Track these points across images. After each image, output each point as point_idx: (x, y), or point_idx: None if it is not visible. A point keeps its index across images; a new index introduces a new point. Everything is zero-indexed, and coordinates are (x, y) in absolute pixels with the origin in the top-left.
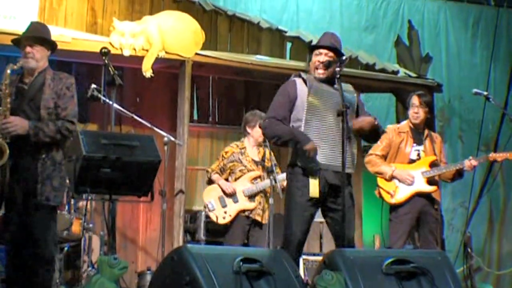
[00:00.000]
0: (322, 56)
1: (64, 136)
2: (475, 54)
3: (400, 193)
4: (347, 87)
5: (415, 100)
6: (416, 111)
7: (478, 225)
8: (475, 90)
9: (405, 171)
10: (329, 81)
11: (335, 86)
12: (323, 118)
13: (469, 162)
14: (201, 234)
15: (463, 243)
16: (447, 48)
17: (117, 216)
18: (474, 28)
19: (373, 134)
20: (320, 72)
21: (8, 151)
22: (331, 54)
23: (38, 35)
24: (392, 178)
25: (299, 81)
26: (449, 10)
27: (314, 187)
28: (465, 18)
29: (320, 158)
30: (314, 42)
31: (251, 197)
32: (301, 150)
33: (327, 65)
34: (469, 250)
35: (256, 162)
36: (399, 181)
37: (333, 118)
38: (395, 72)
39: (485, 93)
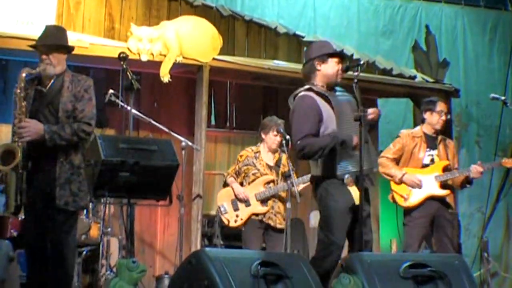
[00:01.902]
0: (341, 65)
1: (80, 138)
2: (492, 59)
3: (413, 196)
4: (345, 91)
5: (443, 107)
6: (444, 118)
7: (495, 230)
8: (492, 95)
9: (414, 176)
10: (331, 88)
11: (339, 93)
12: (349, 127)
13: (475, 168)
14: (219, 239)
15: (480, 248)
16: (465, 53)
17: (135, 221)
18: (491, 33)
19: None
20: (340, 79)
21: (20, 154)
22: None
23: (53, 41)
24: (401, 182)
25: (313, 95)
26: (467, 15)
27: (356, 195)
28: (483, 23)
29: (354, 166)
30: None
31: (263, 201)
32: (349, 147)
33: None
34: (486, 255)
35: (270, 167)
36: (408, 185)
37: (352, 128)
38: (413, 77)
39: (503, 98)
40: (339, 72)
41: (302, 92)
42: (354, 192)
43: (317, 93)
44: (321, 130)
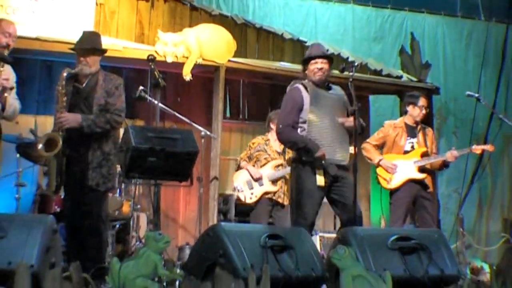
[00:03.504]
0: (318, 64)
1: (113, 127)
2: (468, 62)
3: (394, 180)
4: (337, 88)
5: (424, 102)
6: (424, 112)
7: (469, 208)
8: (468, 92)
9: (389, 162)
10: (324, 84)
11: (331, 90)
12: (322, 120)
13: (450, 153)
14: (232, 215)
15: (456, 224)
16: (444, 56)
17: (160, 199)
18: (467, 39)
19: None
20: (319, 76)
21: (60, 142)
22: (325, 61)
23: (89, 45)
24: (378, 166)
25: (301, 87)
26: (446, 24)
27: (320, 178)
28: (460, 31)
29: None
30: (330, 51)
31: (274, 181)
32: (312, 156)
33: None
34: (461, 229)
35: (278, 153)
36: (384, 169)
37: (329, 119)
38: (399, 77)
39: (477, 95)
40: (315, 71)
41: (294, 84)
42: (320, 176)
43: (304, 86)
44: (300, 115)
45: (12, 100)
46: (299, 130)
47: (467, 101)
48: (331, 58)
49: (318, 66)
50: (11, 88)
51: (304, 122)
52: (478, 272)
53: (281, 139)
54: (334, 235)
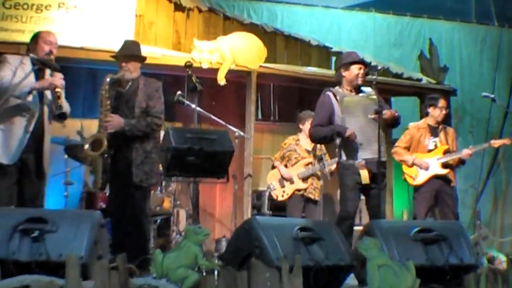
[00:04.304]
0: (362, 69)
1: (153, 129)
2: (482, 65)
3: (420, 177)
4: (368, 90)
5: (443, 103)
6: (444, 112)
7: (485, 202)
8: (484, 93)
9: (422, 160)
10: (357, 88)
11: (362, 93)
12: (354, 123)
13: (465, 151)
14: (265, 209)
15: (473, 217)
16: (460, 60)
17: (199, 195)
18: (481, 44)
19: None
20: (361, 80)
21: (105, 142)
22: (363, 66)
23: (130, 52)
24: (413, 165)
25: (331, 94)
26: (462, 30)
27: (365, 175)
28: (474, 37)
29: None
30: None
31: (304, 179)
32: (345, 138)
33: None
34: (478, 222)
35: (308, 151)
36: (418, 167)
37: (360, 120)
38: (419, 80)
39: (492, 96)
40: (359, 75)
41: (325, 91)
42: (363, 173)
43: (334, 94)
44: (333, 119)
45: (64, 102)
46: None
47: (482, 101)
48: (366, 64)
49: (362, 71)
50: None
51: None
52: (494, 261)
53: (313, 138)
54: (360, 228)
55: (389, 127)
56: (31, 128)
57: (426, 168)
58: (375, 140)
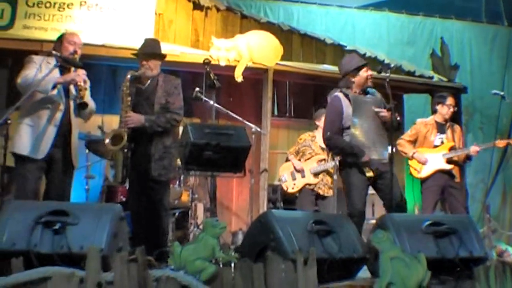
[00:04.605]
0: (370, 71)
1: (172, 125)
2: (492, 64)
3: (424, 170)
4: (372, 91)
5: (451, 101)
6: (452, 110)
7: (494, 197)
8: (493, 91)
9: (422, 154)
10: (364, 90)
11: (369, 95)
12: (364, 124)
13: (473, 148)
14: (281, 203)
15: (483, 211)
16: (471, 59)
17: (216, 189)
18: (491, 43)
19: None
20: (371, 82)
21: (126, 137)
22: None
23: (150, 50)
24: (412, 158)
25: (341, 95)
26: (472, 29)
27: (369, 173)
28: (485, 36)
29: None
30: (368, 55)
31: (316, 174)
32: (359, 159)
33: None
34: (487, 216)
35: (322, 148)
36: (417, 161)
37: (370, 122)
38: (431, 78)
39: (501, 93)
40: (368, 77)
41: (334, 92)
42: (368, 172)
43: (345, 94)
44: (343, 122)
45: (89, 99)
46: (344, 135)
47: (492, 99)
48: (367, 63)
49: (370, 72)
50: (85, 89)
51: (348, 128)
52: (503, 254)
53: (329, 146)
54: (373, 221)
55: (390, 131)
56: (58, 122)
57: (424, 163)
58: (379, 142)
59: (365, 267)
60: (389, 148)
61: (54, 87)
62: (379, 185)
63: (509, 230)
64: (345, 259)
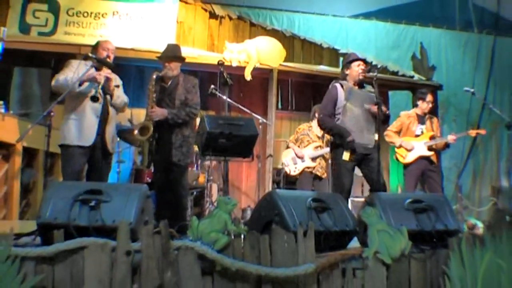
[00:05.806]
0: (361, 66)
1: (191, 118)
2: (464, 65)
3: (408, 156)
4: (368, 87)
5: (430, 98)
6: (431, 105)
7: (466, 178)
8: (465, 88)
9: (408, 142)
10: (360, 84)
11: (364, 89)
12: (354, 111)
13: (450, 137)
14: (283, 184)
15: (455, 190)
16: (446, 61)
17: (228, 171)
18: (464, 47)
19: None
20: (362, 76)
21: (152, 128)
22: (362, 63)
23: (172, 54)
24: (400, 146)
25: (338, 86)
26: (447, 35)
27: (346, 154)
28: (458, 41)
29: (354, 137)
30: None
31: (314, 159)
32: (344, 140)
33: (367, 71)
34: (459, 194)
35: (318, 136)
36: (405, 149)
37: (360, 111)
38: (412, 77)
39: (472, 90)
40: (359, 72)
41: (334, 83)
42: (346, 154)
43: (341, 85)
44: (336, 107)
45: (120, 93)
46: (336, 119)
47: (464, 95)
48: (367, 62)
49: (361, 67)
50: (117, 86)
51: (339, 113)
52: (473, 227)
53: (320, 125)
54: (362, 199)
55: (381, 123)
56: (99, 113)
57: (411, 150)
58: (366, 129)
59: (355, 239)
60: (376, 135)
61: (80, 84)
62: (365, 170)
63: (478, 207)
64: (339, 232)
